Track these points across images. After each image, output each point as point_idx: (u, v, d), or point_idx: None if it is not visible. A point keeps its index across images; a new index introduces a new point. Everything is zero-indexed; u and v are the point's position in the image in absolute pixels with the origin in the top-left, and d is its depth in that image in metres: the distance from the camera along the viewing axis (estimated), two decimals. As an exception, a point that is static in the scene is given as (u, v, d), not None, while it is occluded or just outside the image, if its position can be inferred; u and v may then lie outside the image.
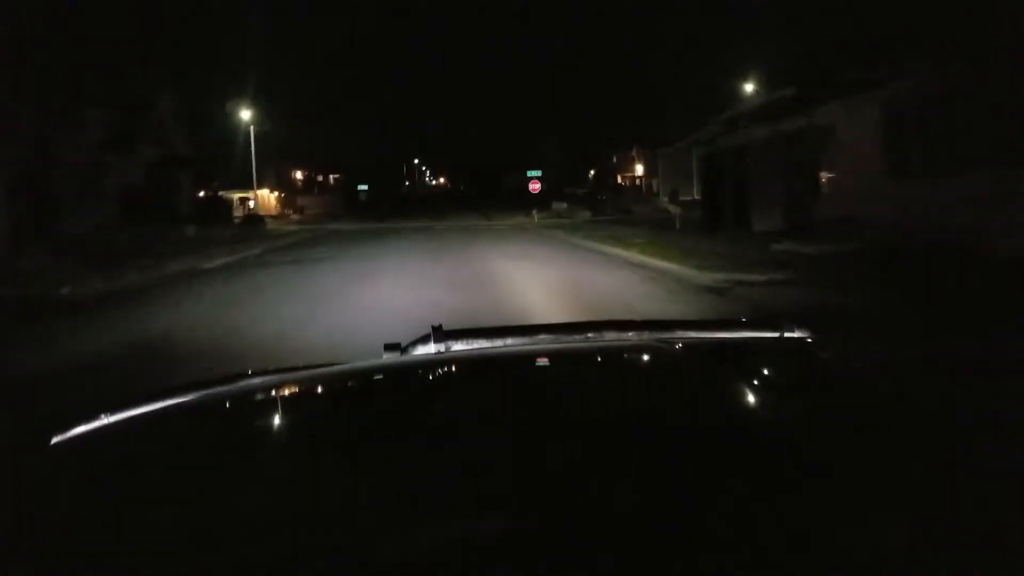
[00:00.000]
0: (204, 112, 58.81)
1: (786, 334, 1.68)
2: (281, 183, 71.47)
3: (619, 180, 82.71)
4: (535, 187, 42.06)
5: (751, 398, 1.18)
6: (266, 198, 65.53)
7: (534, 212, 48.12)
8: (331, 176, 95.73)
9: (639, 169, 77.00)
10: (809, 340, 1.66)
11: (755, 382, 1.27)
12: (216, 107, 57.15)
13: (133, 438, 1.19)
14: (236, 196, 60.40)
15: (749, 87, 48.34)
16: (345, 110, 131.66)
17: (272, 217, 60.97)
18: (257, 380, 1.50)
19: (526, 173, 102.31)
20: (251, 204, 63.09)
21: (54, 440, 1.14)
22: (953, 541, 0.73)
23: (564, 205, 54.61)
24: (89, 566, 0.76)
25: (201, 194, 54.10)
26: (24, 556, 0.78)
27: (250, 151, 55.29)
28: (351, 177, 77.60)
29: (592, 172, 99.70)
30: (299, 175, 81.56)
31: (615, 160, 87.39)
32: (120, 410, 1.24)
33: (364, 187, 62.29)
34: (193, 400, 1.33)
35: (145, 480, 0.98)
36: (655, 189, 67.95)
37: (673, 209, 51.19)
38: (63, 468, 1.08)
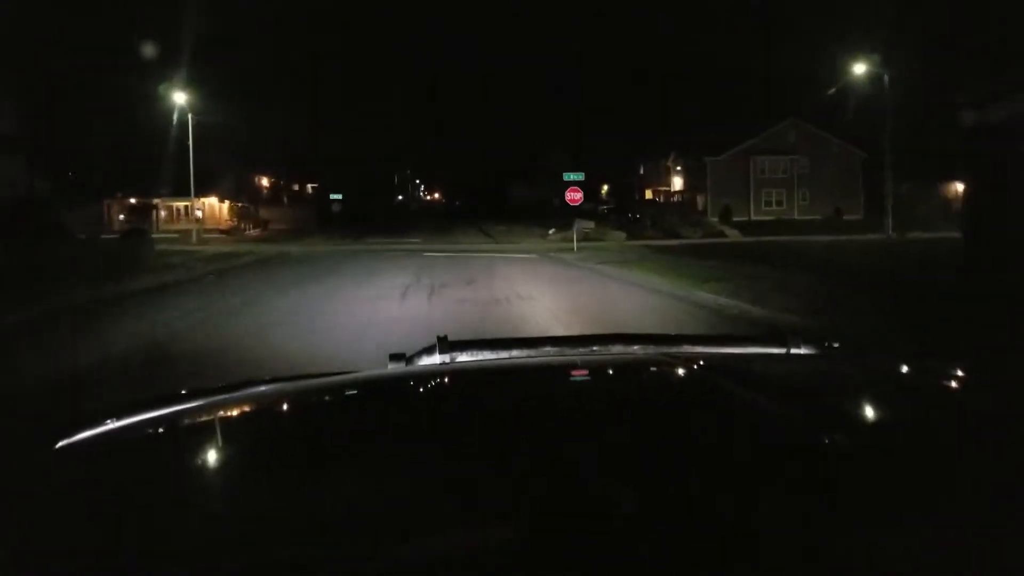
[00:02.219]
0: (120, 96, 46.33)
1: (792, 350, 1.67)
2: (242, 191, 58.46)
3: (646, 195, 70.06)
4: (576, 197, 29.37)
5: (757, 413, 1.18)
6: (214, 208, 52.61)
7: (551, 232, 39.90)
8: (308, 185, 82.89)
9: (677, 182, 64.14)
10: (816, 355, 1.67)
11: (761, 397, 1.26)
12: (144, 90, 44.30)
13: (137, 444, 1.20)
14: (176, 205, 47.49)
15: (860, 68, 35.37)
16: (328, 112, 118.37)
17: (221, 232, 48.13)
18: (262, 388, 1.50)
19: (531, 185, 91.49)
20: (199, 215, 50.14)
21: (59, 445, 1.14)
22: (965, 552, 0.72)
23: (591, 224, 42.87)
24: (92, 572, 0.77)
25: (133, 201, 41.54)
26: (28, 561, 0.79)
27: (188, 147, 42.31)
28: (331, 188, 64.87)
29: (605, 187, 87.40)
30: (266, 182, 68.59)
31: (642, 172, 74.62)
32: (125, 415, 1.25)
33: (338, 196, 49.76)
34: (197, 407, 1.34)
35: (149, 486, 0.99)
36: (701, 206, 55.30)
37: (729, 232, 38.03)
38: (67, 473, 1.09)
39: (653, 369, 1.57)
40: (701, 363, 1.53)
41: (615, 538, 0.75)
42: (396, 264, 22.77)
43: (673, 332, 1.95)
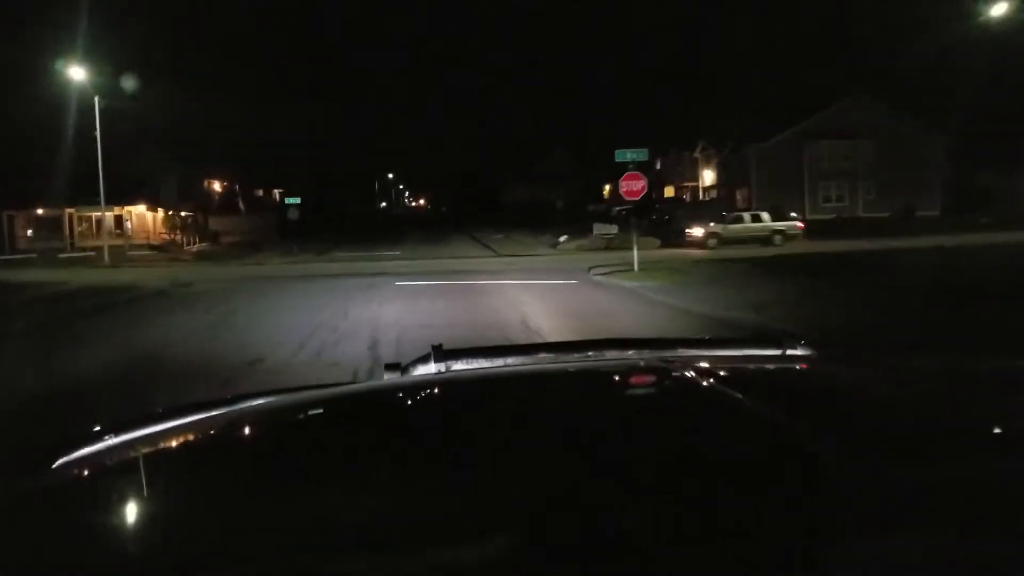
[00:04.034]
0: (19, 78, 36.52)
1: (788, 351, 1.67)
2: (186, 197, 48.44)
3: (665, 193, 60.45)
4: (635, 188, 19.30)
5: (754, 415, 1.17)
6: (145, 219, 42.53)
7: (562, 239, 33.96)
8: (276, 191, 72.82)
9: (707, 176, 54.39)
10: (812, 357, 1.66)
11: (757, 400, 1.25)
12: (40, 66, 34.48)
13: (136, 460, 1.20)
14: (95, 215, 37.68)
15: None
16: (297, 108, 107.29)
17: (153, 248, 38.30)
18: (257, 401, 1.49)
19: (529, 187, 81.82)
20: (127, 226, 40.25)
21: (57, 463, 1.14)
22: (965, 556, 0.72)
23: (613, 229, 35.12)
24: None
25: (40, 212, 31.64)
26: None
27: (96, 139, 32.46)
28: (299, 193, 55.40)
29: (607, 187, 77.99)
30: (218, 187, 58.43)
31: (658, 166, 64.96)
32: (123, 432, 1.25)
33: (295, 200, 40.21)
34: (195, 422, 1.34)
35: (148, 502, 0.99)
36: (742, 204, 45.70)
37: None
38: (66, 490, 1.08)
39: (649, 375, 1.55)
40: (696, 367, 1.50)
41: (614, 545, 0.75)
42: (338, 312, 13.06)
43: None
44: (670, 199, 56.92)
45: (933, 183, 44.63)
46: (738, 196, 46.98)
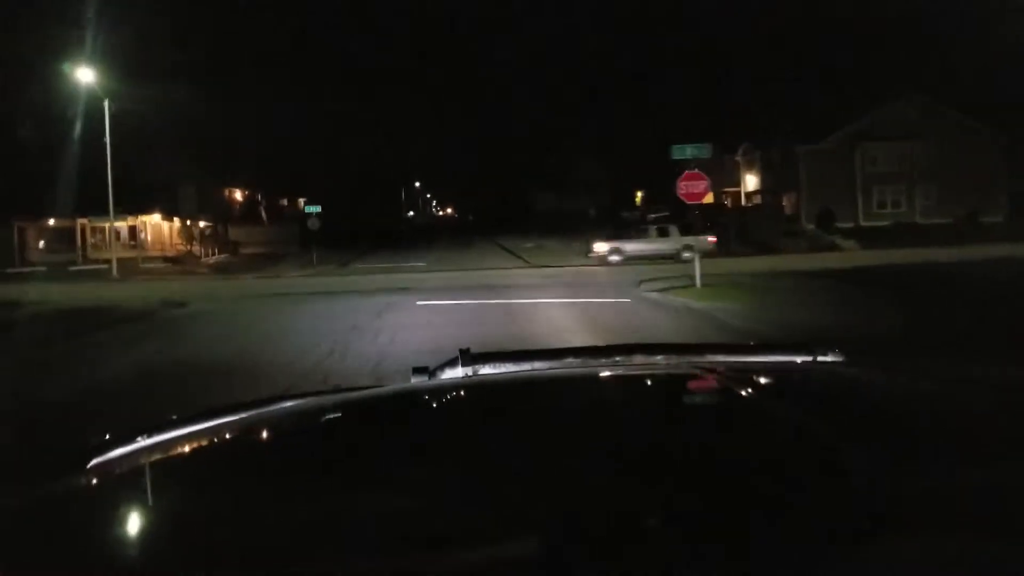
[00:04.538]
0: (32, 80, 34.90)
1: (820, 358, 1.65)
2: (206, 207, 46.81)
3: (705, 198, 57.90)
4: (697, 189, 16.77)
5: (784, 421, 1.17)
6: (161, 230, 40.82)
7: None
8: (301, 200, 71.25)
9: (750, 181, 51.52)
10: (844, 363, 1.65)
11: (788, 405, 1.26)
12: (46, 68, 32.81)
13: (169, 461, 1.22)
14: (108, 226, 36.05)
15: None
16: (323, 116, 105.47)
17: (168, 260, 36.64)
18: (287, 404, 1.51)
19: (559, 195, 79.73)
20: (142, 237, 38.70)
21: (92, 463, 1.15)
22: (997, 562, 0.72)
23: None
24: None
25: (52, 223, 30.03)
26: None
27: (105, 145, 30.78)
28: (325, 203, 53.72)
29: (639, 193, 75.30)
30: (239, 196, 56.75)
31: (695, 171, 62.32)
32: (157, 433, 1.27)
33: (315, 209, 38.31)
34: (228, 423, 1.35)
35: (181, 501, 1.02)
36: (789, 210, 43.11)
37: (844, 244, 32.28)
38: (101, 491, 1.11)
39: (679, 380, 1.55)
40: (727, 372, 1.51)
41: (643, 550, 0.75)
42: (337, 347, 10.76)
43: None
44: (708, 206, 54.12)
45: (996, 187, 41.52)
46: (785, 201, 44.20)
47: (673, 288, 16.47)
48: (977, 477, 0.91)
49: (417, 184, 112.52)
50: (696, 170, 16.93)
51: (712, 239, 30.53)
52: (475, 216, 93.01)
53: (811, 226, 38.58)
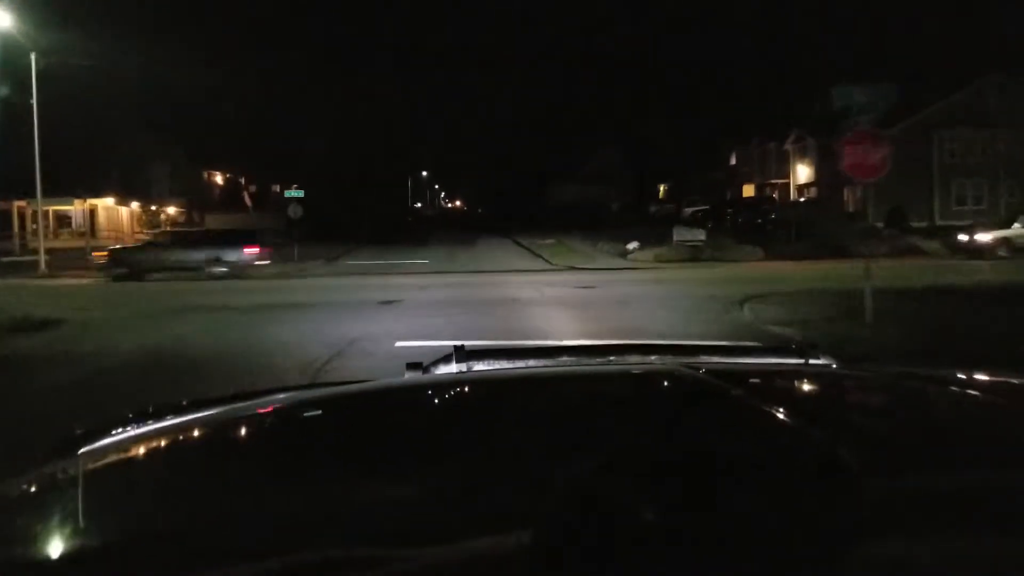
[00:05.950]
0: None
1: (811, 360, 1.66)
2: (180, 190, 41.31)
3: (743, 192, 52.00)
4: (871, 159, 10.70)
5: (774, 422, 1.18)
6: (119, 216, 35.26)
7: (631, 247, 28.85)
8: (293, 186, 65.77)
9: (801, 172, 45.50)
10: (834, 367, 1.65)
11: (778, 408, 1.25)
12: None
13: (159, 449, 1.23)
14: (53, 210, 30.64)
15: None
16: (320, 98, 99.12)
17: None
18: (280, 396, 1.52)
19: (578, 186, 73.74)
20: (83, 222, 33.34)
21: (82, 450, 1.16)
22: (990, 565, 0.73)
23: (700, 235, 29.55)
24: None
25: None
26: (54, 565, 0.81)
27: (32, 108, 25.42)
28: (324, 191, 48.45)
29: (662, 187, 69.82)
30: (220, 179, 51.12)
31: (733, 162, 56.30)
32: (147, 421, 1.29)
33: (297, 194, 33.43)
34: (219, 414, 1.37)
35: (171, 490, 1.02)
36: (852, 205, 37.40)
37: (926, 246, 28.20)
38: (91, 479, 1.10)
39: (671, 380, 1.55)
40: (718, 373, 1.50)
41: (631, 548, 0.75)
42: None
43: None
44: (752, 199, 48.22)
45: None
46: (846, 195, 38.45)
47: (828, 319, 10.45)
48: (970, 478, 0.92)
49: (424, 174, 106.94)
50: (870, 129, 11.23)
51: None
52: (486, 209, 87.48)
53: (879, 223, 33.02)
